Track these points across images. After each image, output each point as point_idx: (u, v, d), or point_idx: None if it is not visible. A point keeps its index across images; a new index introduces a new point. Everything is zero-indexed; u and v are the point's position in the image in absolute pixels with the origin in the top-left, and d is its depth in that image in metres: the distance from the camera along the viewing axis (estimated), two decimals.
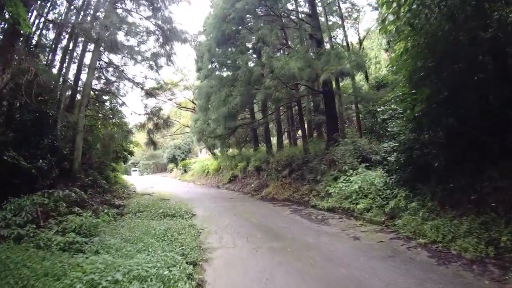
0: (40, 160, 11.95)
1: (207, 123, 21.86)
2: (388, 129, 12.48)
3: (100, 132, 21.32)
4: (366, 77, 27.10)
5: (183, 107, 46.03)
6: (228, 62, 19.61)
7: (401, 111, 11.05)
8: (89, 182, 16.44)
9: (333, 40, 26.24)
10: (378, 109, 13.80)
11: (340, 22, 26.81)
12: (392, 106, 12.36)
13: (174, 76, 44.79)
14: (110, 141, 22.38)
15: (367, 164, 14.63)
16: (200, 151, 58.98)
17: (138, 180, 41.70)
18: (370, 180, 12.82)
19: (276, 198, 18.50)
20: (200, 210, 14.56)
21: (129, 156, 28.39)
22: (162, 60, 22.84)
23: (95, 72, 21.65)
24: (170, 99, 42.10)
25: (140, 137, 29.87)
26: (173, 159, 60.80)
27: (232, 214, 13.42)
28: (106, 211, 12.25)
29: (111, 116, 22.63)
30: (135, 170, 73.08)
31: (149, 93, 23.10)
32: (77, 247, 7.25)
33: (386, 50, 28.28)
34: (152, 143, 24.11)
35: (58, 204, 10.39)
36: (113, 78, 22.59)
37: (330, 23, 25.89)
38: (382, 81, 23.27)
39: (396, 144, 11.42)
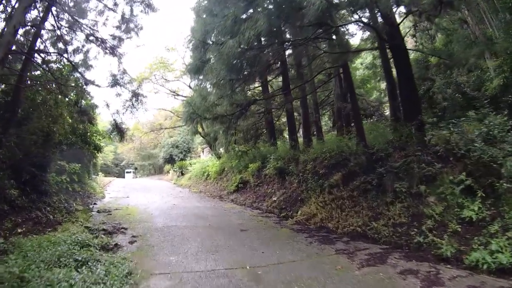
0: None
1: (201, 96, 13.22)
2: None
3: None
4: None
5: (178, 94, 37.49)
6: None
7: None
8: None
9: None
10: None
11: None
12: None
13: (169, 55, 36.76)
14: (53, 124, 13.62)
15: None
16: (203, 151, 50.98)
17: (125, 185, 33.30)
18: None
19: (331, 228, 9.97)
20: None
21: (95, 152, 19.90)
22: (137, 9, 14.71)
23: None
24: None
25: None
26: (170, 160, 52.55)
27: None
28: None
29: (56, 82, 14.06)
30: (129, 172, 64.94)
31: (112, 49, 14.56)
32: None
33: (413, 36, 21.36)
34: (117, 130, 15.54)
35: None
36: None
37: None
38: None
39: None
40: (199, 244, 8.24)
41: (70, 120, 15.36)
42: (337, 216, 10.28)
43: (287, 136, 27.19)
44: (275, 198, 14.66)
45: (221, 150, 28.59)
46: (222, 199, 19.64)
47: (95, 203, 15.93)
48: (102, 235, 8.86)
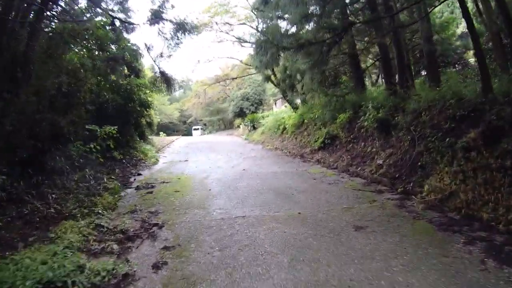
0: None
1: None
2: None
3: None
4: None
5: (245, 41, 33.34)
6: None
7: None
8: None
9: None
10: None
11: None
12: None
13: None
14: (74, 80, 10.00)
15: None
16: (275, 103, 47.33)
17: (188, 144, 30.13)
18: None
19: (485, 220, 5.61)
20: None
21: (143, 110, 16.74)
22: None
23: None
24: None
25: None
26: (240, 113, 49.55)
27: None
28: None
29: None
30: (197, 129, 63.50)
31: None
32: None
33: None
34: (162, 76, 12.16)
35: None
36: None
37: None
38: None
39: None
40: (292, 280, 3.98)
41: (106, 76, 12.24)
42: (491, 198, 5.90)
43: (369, 84, 22.63)
44: (380, 161, 10.36)
45: (298, 100, 24.54)
46: (304, 160, 15.61)
47: (139, 173, 12.69)
48: (114, 246, 5.29)
